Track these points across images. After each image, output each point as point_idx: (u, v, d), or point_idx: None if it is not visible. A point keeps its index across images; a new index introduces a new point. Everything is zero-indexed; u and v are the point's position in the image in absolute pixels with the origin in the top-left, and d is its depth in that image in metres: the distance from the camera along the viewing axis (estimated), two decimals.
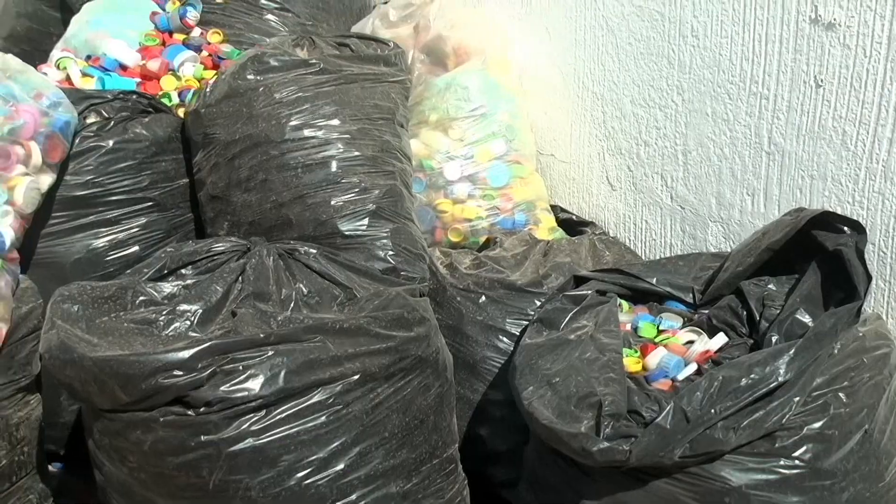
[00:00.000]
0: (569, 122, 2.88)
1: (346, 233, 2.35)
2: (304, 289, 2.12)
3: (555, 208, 2.91)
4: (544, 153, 2.99)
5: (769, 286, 2.02)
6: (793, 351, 1.68)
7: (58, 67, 2.82)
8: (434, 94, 2.80)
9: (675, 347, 1.96)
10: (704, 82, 2.39)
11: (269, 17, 3.03)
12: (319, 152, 2.41)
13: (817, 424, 1.66)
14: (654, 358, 1.92)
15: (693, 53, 2.40)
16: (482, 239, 2.75)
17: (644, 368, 1.93)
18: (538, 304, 2.34)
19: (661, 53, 2.50)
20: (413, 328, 2.03)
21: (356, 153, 2.42)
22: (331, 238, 2.35)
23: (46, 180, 2.36)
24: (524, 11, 2.93)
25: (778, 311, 1.92)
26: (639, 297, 2.21)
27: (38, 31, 3.43)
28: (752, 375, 1.67)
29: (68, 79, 2.77)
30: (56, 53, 2.92)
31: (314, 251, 2.21)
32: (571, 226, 2.85)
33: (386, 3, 3.21)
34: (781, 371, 1.67)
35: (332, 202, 2.37)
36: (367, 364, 1.92)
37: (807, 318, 1.85)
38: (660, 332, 2.06)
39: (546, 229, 2.78)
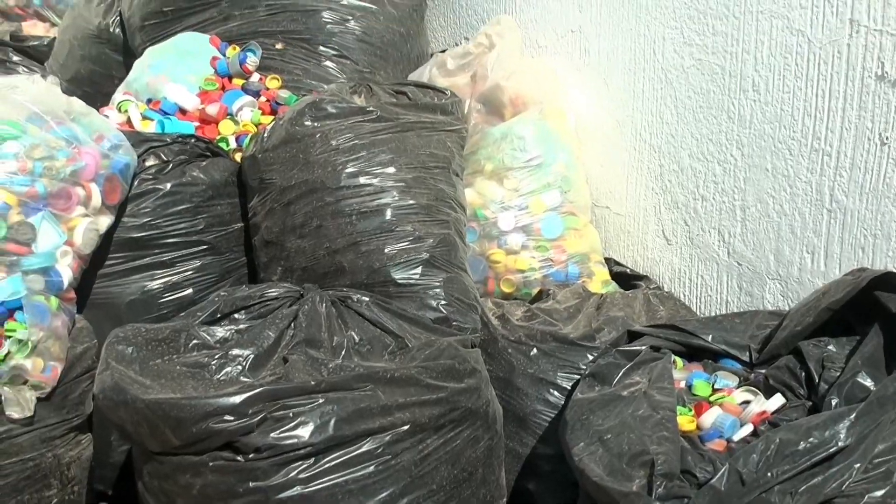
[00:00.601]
0: (625, 174, 2.87)
1: (399, 281, 2.36)
2: (355, 336, 2.13)
3: (609, 261, 2.90)
4: (599, 205, 2.98)
5: (829, 347, 1.99)
6: (854, 415, 1.65)
7: (119, 110, 2.87)
8: (490, 143, 2.81)
9: (731, 407, 1.93)
10: (765, 137, 2.38)
11: (328, 63, 3.07)
12: (374, 200, 2.42)
13: (879, 493, 1.62)
14: (709, 417, 1.89)
15: (754, 108, 2.39)
16: (535, 290, 2.75)
17: (698, 428, 1.90)
18: (590, 358, 2.33)
19: (720, 107, 2.49)
20: (464, 379, 2.03)
21: (411, 201, 2.44)
22: (383, 286, 2.35)
23: (105, 221, 2.40)
24: (582, 62, 2.94)
25: (838, 374, 1.89)
26: (693, 354, 2.18)
27: (101, 74, 3.50)
28: (810, 439, 1.64)
29: (129, 122, 2.82)
30: (118, 96, 2.99)
31: (366, 299, 2.22)
32: (625, 279, 2.84)
33: (443, 51, 3.25)
34: (842, 435, 1.63)
35: (386, 250, 2.38)
36: (418, 414, 1.93)
37: (868, 382, 1.82)
38: (714, 390, 2.04)
39: (599, 282, 2.77)
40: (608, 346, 2.23)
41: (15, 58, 3.86)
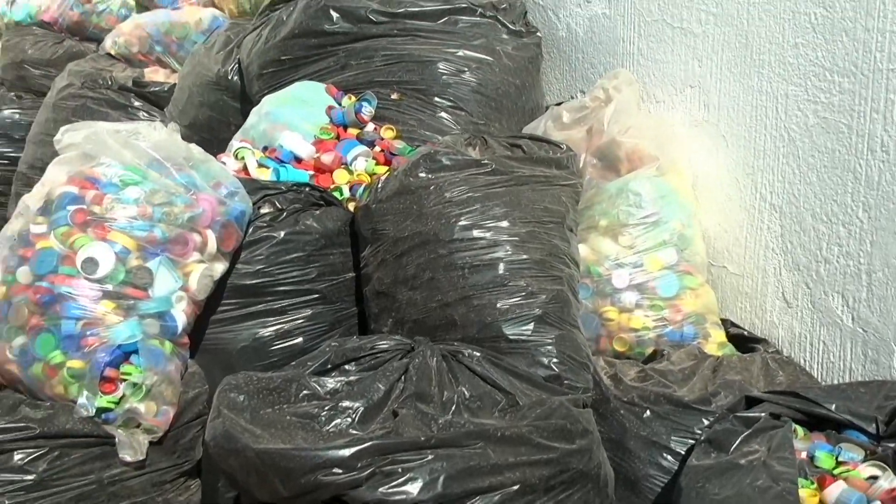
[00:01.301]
0: (743, 233, 2.83)
1: (511, 337, 2.36)
2: (466, 392, 2.13)
3: (725, 322, 2.85)
4: (716, 264, 2.94)
5: None
6: None
7: (236, 157, 2.94)
8: (605, 199, 2.80)
9: (857, 482, 1.87)
10: (893, 199, 2.32)
11: (443, 114, 3.10)
12: (487, 254, 2.43)
13: None
14: (833, 492, 1.83)
15: (882, 169, 2.34)
16: (648, 350, 2.71)
17: (821, 502, 1.85)
18: (706, 423, 2.28)
19: (846, 167, 2.44)
20: (575, 440, 2.01)
21: (524, 256, 2.44)
22: (495, 341, 2.35)
23: (219, 268, 2.46)
24: (701, 117, 2.92)
25: None
26: (815, 423, 2.12)
27: (218, 121, 3.59)
28: None
29: (245, 169, 2.89)
30: (235, 144, 3.06)
31: (478, 354, 2.22)
32: (743, 342, 2.78)
33: (559, 104, 3.26)
34: None
35: (498, 305, 2.38)
36: (528, 475, 1.91)
37: None
38: (838, 463, 1.98)
39: (716, 344, 2.72)
40: (725, 411, 2.19)
41: (136, 103, 3.99)
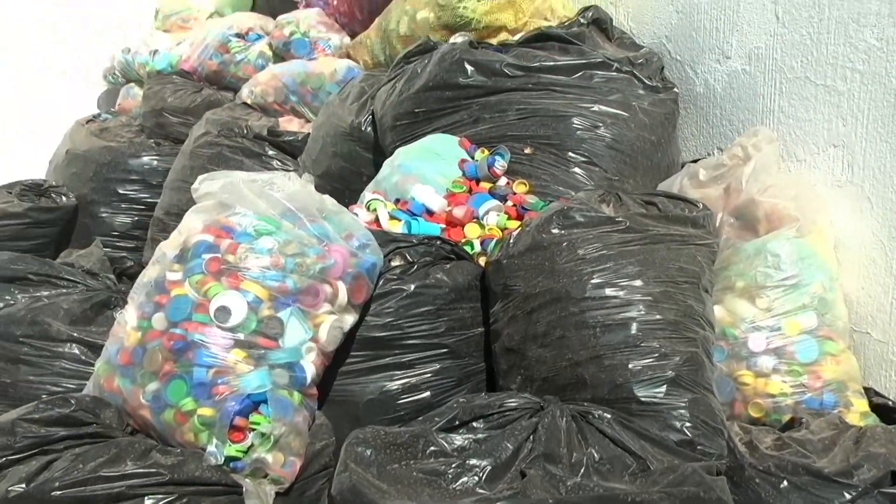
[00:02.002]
0: (888, 298, 2.76)
1: (643, 399, 2.33)
2: (595, 454, 2.11)
3: (868, 391, 2.77)
4: (859, 330, 2.87)
5: None
6: None
7: (368, 209, 2.99)
8: (742, 259, 2.77)
9: None
10: None
11: (576, 170, 3.10)
12: (620, 313, 2.42)
13: None
14: None
15: None
16: (785, 417, 2.65)
17: None
18: (847, 497, 2.21)
19: None
20: None
21: (658, 316, 2.42)
22: (626, 403, 2.33)
23: (349, 320, 2.50)
24: (845, 178, 2.87)
25: None
26: None
27: (350, 171, 3.65)
28: None
29: (377, 220, 2.94)
30: (367, 195, 3.12)
31: (608, 416, 2.21)
32: (887, 412, 2.69)
33: (695, 161, 3.23)
34: None
35: (630, 366, 2.36)
36: None
37: None
38: None
39: (858, 414, 2.64)
40: (869, 486, 2.13)
41: (270, 152, 4.10)
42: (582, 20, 3.52)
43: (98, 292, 3.05)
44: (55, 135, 4.96)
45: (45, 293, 2.99)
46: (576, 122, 3.13)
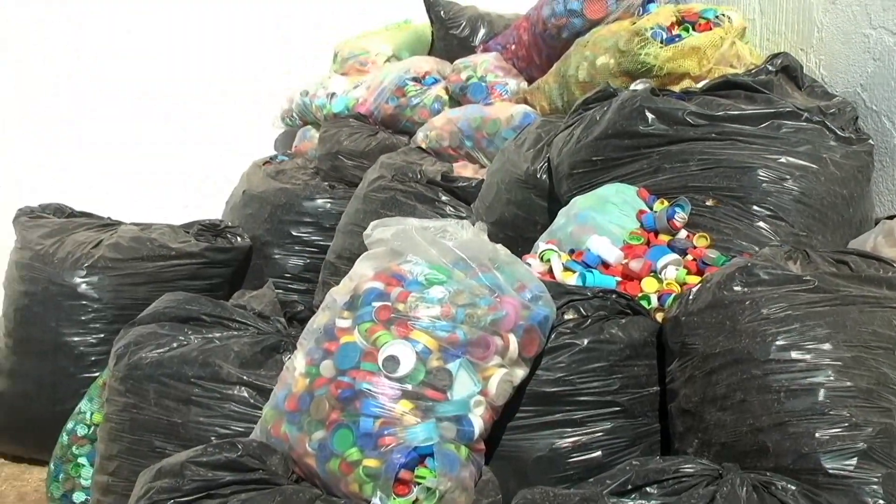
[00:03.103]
0: None
1: (831, 471, 2.23)
2: None
3: None
4: None
5: None
6: None
7: (541, 259, 2.98)
8: None
9: None
10: None
11: (761, 224, 3.01)
12: (806, 378, 2.33)
13: None
14: None
15: None
16: None
17: None
18: None
19: None
20: None
21: (848, 383, 2.32)
22: (812, 475, 2.23)
23: (519, 374, 2.48)
24: None
25: None
26: None
27: (524, 219, 3.65)
28: None
29: (550, 272, 2.92)
30: (541, 245, 3.11)
31: (793, 487, 2.14)
32: None
33: (891, 217, 3.11)
34: None
35: (817, 435, 2.27)
36: None
37: None
38: None
39: None
40: None
41: (444, 197, 4.14)
42: (770, 67, 3.45)
43: (268, 336, 3.12)
44: (234, 176, 5.16)
45: (217, 335, 3.08)
46: (761, 173, 3.05)
